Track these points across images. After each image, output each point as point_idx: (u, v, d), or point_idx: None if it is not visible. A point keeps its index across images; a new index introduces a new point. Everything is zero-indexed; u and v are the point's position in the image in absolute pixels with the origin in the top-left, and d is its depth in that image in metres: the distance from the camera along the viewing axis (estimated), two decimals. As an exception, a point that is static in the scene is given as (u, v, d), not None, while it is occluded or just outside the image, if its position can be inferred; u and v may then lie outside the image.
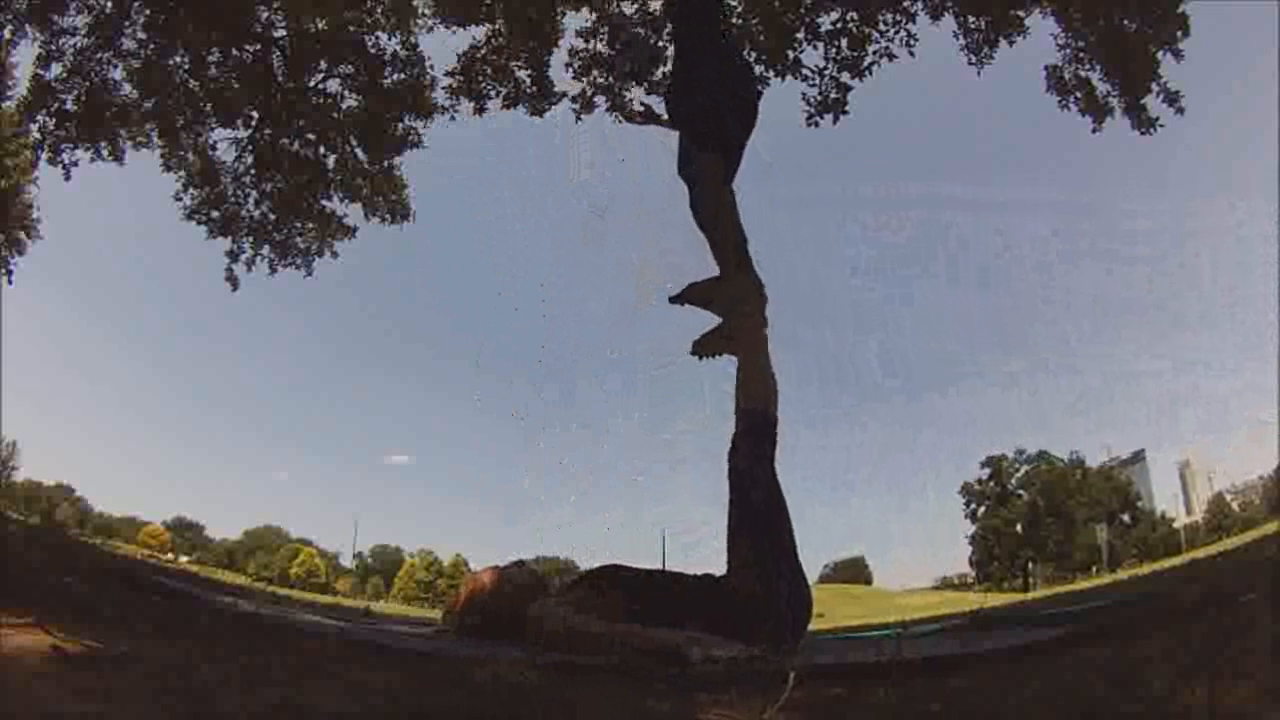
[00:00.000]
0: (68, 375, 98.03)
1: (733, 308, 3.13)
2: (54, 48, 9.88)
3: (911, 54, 8.56)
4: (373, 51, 10.59)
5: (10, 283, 16.30)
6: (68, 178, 10.40)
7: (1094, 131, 9.35)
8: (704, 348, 3.16)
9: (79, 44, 9.91)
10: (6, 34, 9.91)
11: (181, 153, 11.03)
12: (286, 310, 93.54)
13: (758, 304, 3.08)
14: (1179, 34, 8.65)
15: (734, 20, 8.85)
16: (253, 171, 11.22)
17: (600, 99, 9.79)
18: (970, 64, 9.07)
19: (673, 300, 3.22)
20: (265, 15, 10.39)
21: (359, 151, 11.26)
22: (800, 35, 8.84)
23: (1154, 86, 8.81)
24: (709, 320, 3.34)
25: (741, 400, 3.04)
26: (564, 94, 9.83)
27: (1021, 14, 8.95)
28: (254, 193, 11.32)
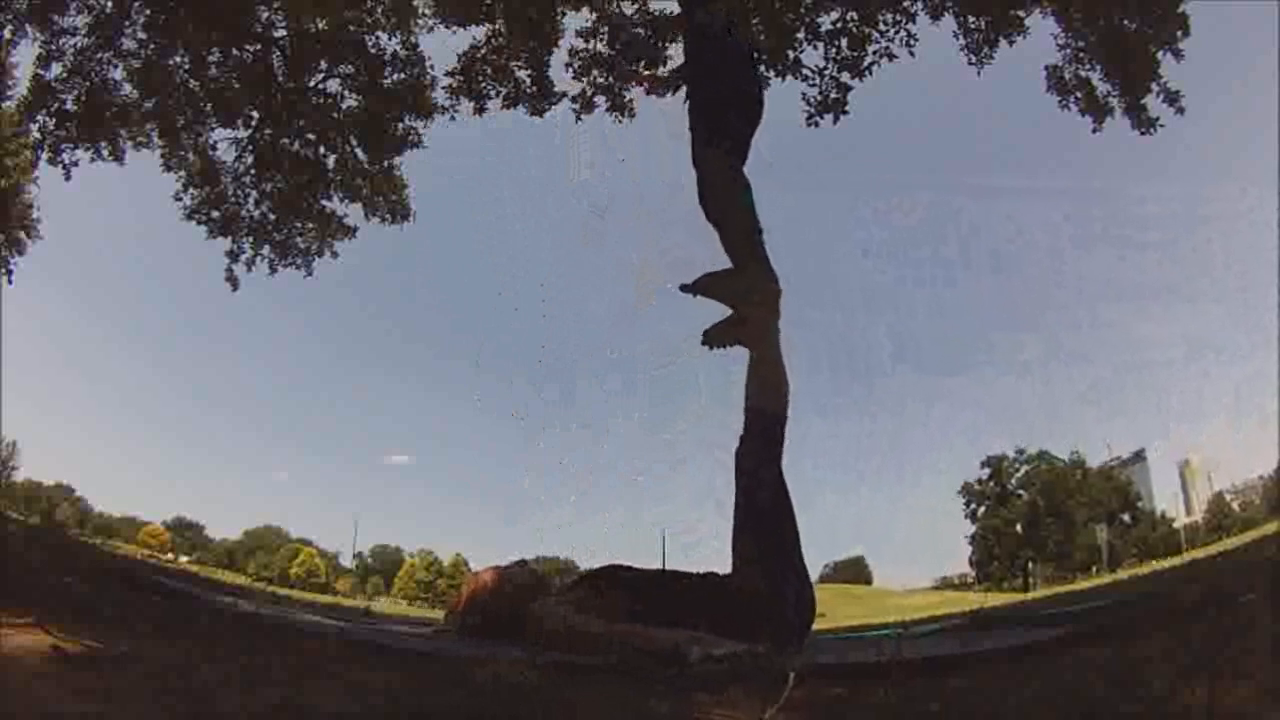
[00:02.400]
0: (68, 375, 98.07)
1: (744, 298, 3.10)
2: (54, 48, 9.88)
3: (912, 54, 8.55)
4: (373, 51, 10.59)
5: (10, 283, 16.30)
6: (68, 178, 10.42)
7: (1094, 131, 9.37)
8: (714, 337, 3.14)
9: (79, 44, 9.91)
10: (6, 34, 9.91)
11: (181, 153, 11.03)
12: (286, 310, 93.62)
13: (770, 297, 3.05)
14: (1179, 34, 8.65)
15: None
16: (253, 171, 11.22)
17: (600, 99, 9.79)
18: (970, 64, 9.07)
19: (684, 289, 3.19)
20: (265, 15, 10.39)
21: (359, 151, 11.26)
22: (800, 35, 8.83)
23: (1154, 86, 8.82)
24: (714, 317, 3.29)
25: (751, 399, 3.02)
26: (564, 94, 9.83)
27: (1021, 14, 8.95)
28: (254, 193, 11.33)
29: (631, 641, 2.34)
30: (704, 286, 3.16)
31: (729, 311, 3.32)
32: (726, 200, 3.13)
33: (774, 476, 2.85)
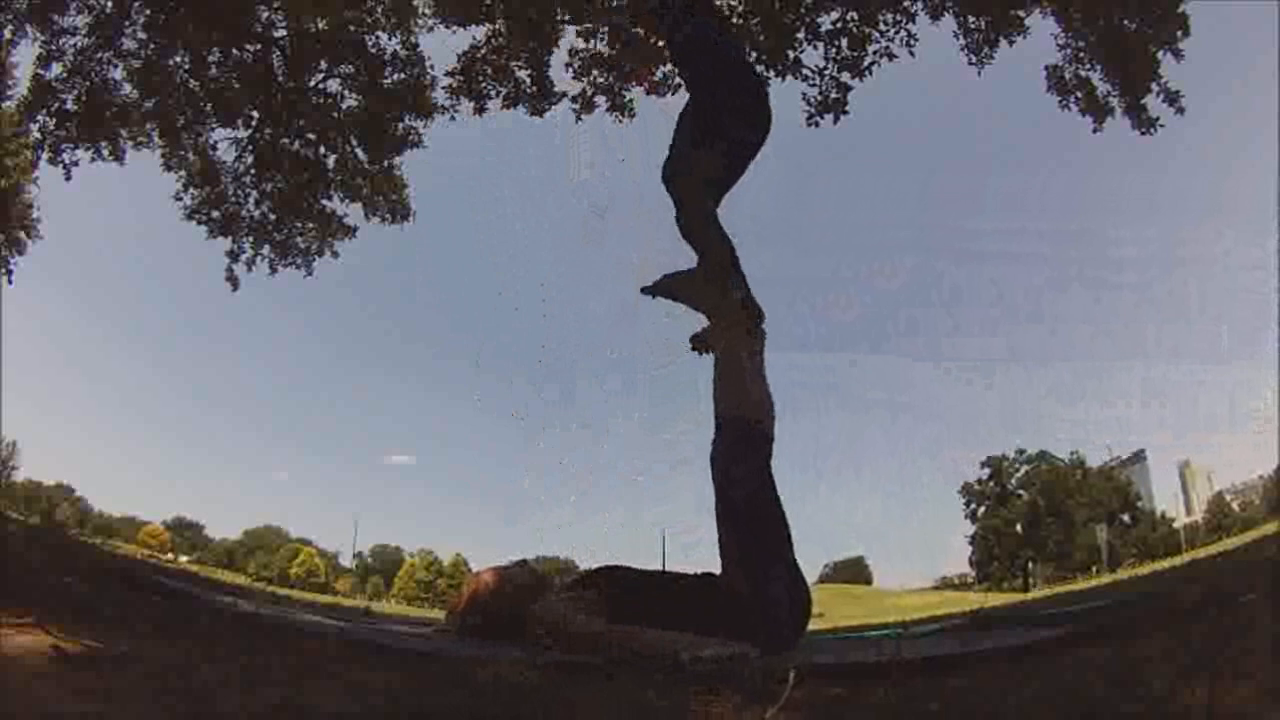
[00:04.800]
0: (68, 375, 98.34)
1: (713, 311, 3.09)
2: (54, 48, 9.89)
3: (912, 54, 8.57)
4: (373, 51, 10.61)
5: (10, 283, 16.30)
6: (68, 178, 10.43)
7: (1094, 131, 9.40)
8: (700, 343, 3.15)
9: (79, 44, 9.91)
10: (6, 34, 9.92)
11: (181, 153, 11.04)
12: (286, 310, 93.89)
13: (743, 314, 3.02)
14: (1179, 34, 8.67)
15: (734, 20, 8.86)
16: (253, 171, 11.23)
17: (600, 99, 9.81)
18: (970, 64, 9.09)
19: (644, 291, 3.14)
20: (265, 15, 10.40)
21: (359, 151, 11.27)
22: (800, 35, 8.85)
23: (1154, 86, 8.84)
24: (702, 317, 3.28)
25: (720, 407, 3.01)
26: (564, 94, 9.85)
27: (1021, 14, 8.97)
28: (254, 193, 11.34)
29: (628, 643, 2.34)
30: (665, 287, 3.09)
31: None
32: (703, 225, 3.06)
33: (748, 474, 2.82)
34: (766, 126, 3.22)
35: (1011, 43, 9.00)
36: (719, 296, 2.97)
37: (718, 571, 2.79)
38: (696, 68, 3.34)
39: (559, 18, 9.51)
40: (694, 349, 3.11)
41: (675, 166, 3.12)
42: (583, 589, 2.78)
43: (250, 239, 11.43)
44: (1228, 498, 48.46)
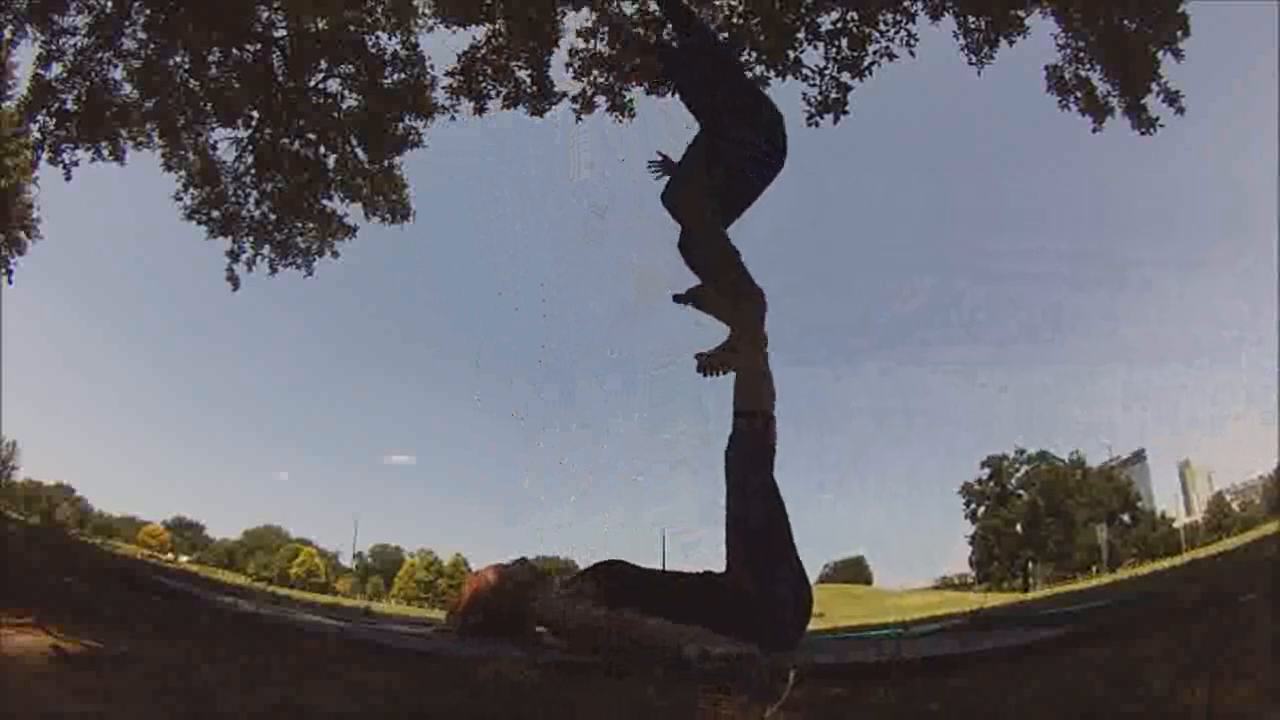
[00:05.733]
0: (68, 375, 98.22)
1: (736, 320, 3.09)
2: (54, 48, 9.89)
3: (912, 54, 8.58)
4: (373, 51, 10.61)
5: (10, 283, 16.28)
6: (68, 178, 10.42)
7: (1094, 131, 9.40)
8: (709, 366, 3.11)
9: (79, 44, 9.91)
10: (6, 34, 9.92)
11: (181, 153, 11.04)
12: (286, 310, 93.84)
13: (762, 332, 3.04)
14: (1179, 34, 8.67)
15: (734, 20, 8.87)
16: (253, 171, 11.23)
17: (600, 99, 9.80)
18: (970, 64, 9.09)
19: (676, 299, 3.17)
20: (265, 15, 10.40)
21: (359, 151, 11.27)
22: (800, 35, 8.85)
23: (1154, 86, 8.84)
24: (707, 319, 3.25)
25: (737, 403, 3.03)
26: (564, 94, 9.84)
27: (1021, 14, 8.97)
28: (254, 193, 11.34)
29: (630, 634, 2.34)
30: (696, 298, 3.11)
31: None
32: (707, 246, 3.05)
33: (761, 477, 2.85)
34: (773, 131, 3.17)
35: (1011, 43, 9.00)
36: (742, 312, 2.98)
37: (718, 570, 2.79)
38: (693, 72, 3.32)
39: (559, 17, 9.51)
40: (700, 370, 3.07)
41: (674, 184, 3.12)
42: (585, 580, 2.79)
43: (250, 239, 11.43)
44: (1228, 498, 48.45)
